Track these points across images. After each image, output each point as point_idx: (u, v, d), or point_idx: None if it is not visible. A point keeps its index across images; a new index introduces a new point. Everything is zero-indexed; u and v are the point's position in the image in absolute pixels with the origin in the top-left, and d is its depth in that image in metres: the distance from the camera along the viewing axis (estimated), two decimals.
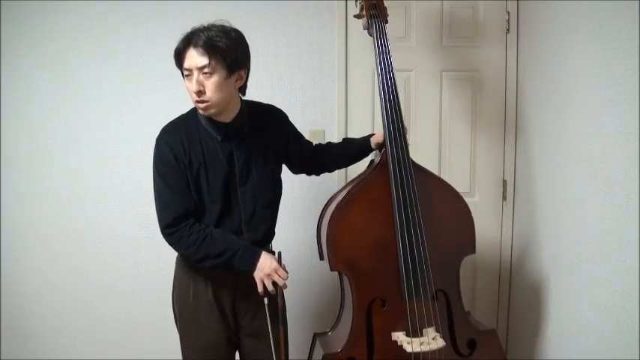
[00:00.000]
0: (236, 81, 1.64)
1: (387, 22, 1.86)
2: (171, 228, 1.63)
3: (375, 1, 1.86)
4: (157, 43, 2.42)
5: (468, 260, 2.47)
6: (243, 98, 1.76)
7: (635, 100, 1.54)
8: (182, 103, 2.43)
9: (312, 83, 2.47)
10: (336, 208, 1.76)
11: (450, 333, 1.84)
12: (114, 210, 2.49)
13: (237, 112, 1.70)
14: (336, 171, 2.40)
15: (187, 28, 2.37)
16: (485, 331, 1.90)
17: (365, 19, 1.89)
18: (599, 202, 1.73)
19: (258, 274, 1.62)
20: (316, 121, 2.47)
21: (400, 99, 2.42)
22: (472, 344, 1.86)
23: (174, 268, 1.83)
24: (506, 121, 2.48)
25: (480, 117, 2.49)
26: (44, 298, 2.52)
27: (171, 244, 1.68)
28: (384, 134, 1.79)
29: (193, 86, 1.58)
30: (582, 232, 1.84)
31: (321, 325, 2.24)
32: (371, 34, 1.89)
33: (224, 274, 1.69)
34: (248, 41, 1.69)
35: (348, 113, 2.46)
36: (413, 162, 1.81)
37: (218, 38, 1.56)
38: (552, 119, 2.08)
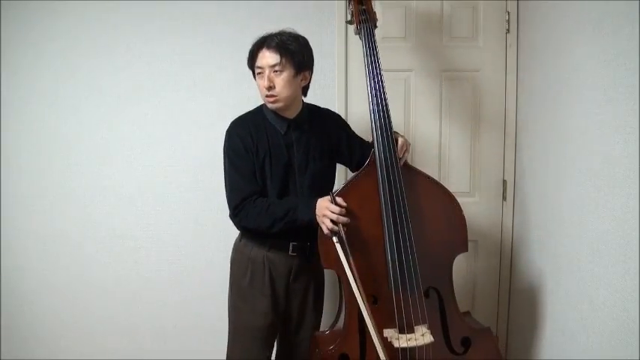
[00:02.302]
0: (301, 80, 1.87)
1: (376, 26, 1.94)
2: (239, 207, 1.83)
3: (364, 7, 1.92)
4: (157, 43, 2.42)
5: (468, 260, 2.50)
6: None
7: (635, 100, 1.54)
8: (182, 103, 2.46)
9: (312, 83, 2.45)
10: None
11: (443, 331, 1.85)
12: (114, 210, 2.49)
13: (299, 110, 1.91)
14: (340, 167, 2.41)
15: (187, 28, 2.41)
16: (479, 330, 1.91)
17: (354, 24, 1.94)
18: (599, 201, 1.73)
19: (318, 218, 1.75)
20: None
21: (400, 99, 2.46)
22: (466, 342, 1.87)
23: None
24: (506, 121, 2.48)
25: (480, 117, 2.49)
26: (44, 299, 2.52)
27: (241, 221, 1.85)
28: (372, 134, 1.84)
29: (265, 82, 1.79)
30: (582, 232, 1.84)
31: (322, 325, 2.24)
32: (361, 39, 1.93)
33: (280, 257, 1.89)
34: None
35: (348, 113, 2.46)
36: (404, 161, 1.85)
37: (289, 41, 1.80)
38: (552, 119, 2.08)
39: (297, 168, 1.89)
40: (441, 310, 1.86)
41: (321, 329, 2.04)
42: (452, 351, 1.86)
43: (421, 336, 1.77)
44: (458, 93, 2.48)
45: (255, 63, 1.82)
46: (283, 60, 1.77)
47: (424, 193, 1.86)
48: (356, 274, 1.68)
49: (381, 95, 1.84)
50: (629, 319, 1.58)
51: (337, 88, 2.46)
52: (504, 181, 2.51)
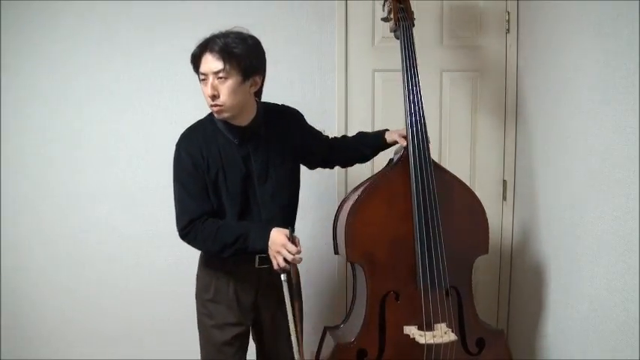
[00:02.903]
0: (251, 86, 1.67)
1: (413, 25, 1.92)
2: (187, 228, 1.69)
3: (402, 5, 1.92)
4: (158, 44, 2.42)
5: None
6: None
7: (635, 100, 1.54)
8: (182, 103, 2.46)
9: (312, 83, 2.47)
10: (357, 201, 1.81)
11: (460, 331, 1.86)
12: (115, 210, 2.49)
13: (253, 115, 1.74)
14: (337, 168, 2.41)
15: (187, 29, 2.41)
16: (493, 331, 1.94)
17: (392, 22, 1.94)
18: (599, 201, 1.74)
19: (271, 251, 1.63)
20: (316, 121, 2.46)
21: (400, 99, 2.44)
22: (481, 343, 1.88)
23: (196, 268, 1.88)
24: (506, 121, 2.48)
25: (480, 117, 2.49)
26: (44, 298, 2.52)
27: (190, 243, 1.73)
28: (407, 132, 1.84)
29: (208, 90, 1.61)
30: (582, 232, 1.84)
31: (328, 319, 2.25)
32: (397, 37, 1.94)
33: (246, 270, 1.75)
34: None
35: (348, 113, 2.46)
36: (433, 161, 1.86)
37: (234, 44, 1.60)
38: (552, 119, 2.08)
39: (256, 178, 1.74)
40: (460, 309, 1.88)
41: (329, 324, 2.04)
42: (467, 351, 1.87)
43: (444, 334, 1.78)
44: (458, 93, 2.48)
45: (197, 68, 1.64)
46: (227, 66, 1.58)
47: (452, 192, 1.88)
48: (297, 317, 1.65)
49: (418, 95, 1.85)
50: (629, 319, 1.58)
51: (337, 88, 2.46)
52: (504, 181, 2.51)
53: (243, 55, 1.60)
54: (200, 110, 2.44)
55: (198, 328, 1.87)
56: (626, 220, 1.59)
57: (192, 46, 2.38)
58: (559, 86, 2.02)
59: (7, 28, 2.37)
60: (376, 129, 2.30)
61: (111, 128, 2.46)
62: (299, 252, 1.62)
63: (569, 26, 1.94)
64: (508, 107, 2.47)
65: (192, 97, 2.44)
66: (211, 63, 1.59)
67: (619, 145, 1.62)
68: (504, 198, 2.51)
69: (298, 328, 1.66)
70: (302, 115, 1.93)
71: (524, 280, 2.38)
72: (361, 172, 2.31)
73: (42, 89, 2.42)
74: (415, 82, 1.85)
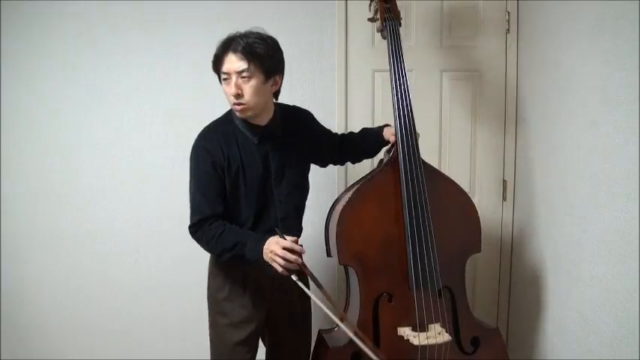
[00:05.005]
0: (272, 86, 1.72)
1: (400, 24, 1.92)
2: (196, 227, 1.73)
3: (389, 5, 1.92)
4: (158, 43, 2.42)
5: (468, 260, 2.49)
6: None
7: (635, 100, 1.54)
8: (182, 103, 2.46)
9: (312, 84, 2.47)
10: (347, 202, 1.80)
11: (454, 330, 1.86)
12: (114, 210, 2.49)
13: (271, 115, 1.78)
14: (337, 167, 2.41)
15: (187, 28, 2.41)
16: (489, 330, 1.92)
17: (379, 22, 1.95)
18: (599, 202, 1.74)
19: (267, 258, 1.63)
20: None
21: None
22: (476, 342, 1.88)
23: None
24: (506, 121, 2.48)
25: (480, 117, 2.49)
26: (44, 299, 2.52)
27: (196, 241, 1.76)
28: (396, 132, 1.83)
29: (232, 89, 1.64)
30: (582, 232, 1.84)
31: (327, 321, 2.24)
32: (384, 37, 1.94)
33: (261, 266, 1.71)
34: None
35: (348, 113, 2.46)
36: (423, 160, 1.85)
37: (256, 44, 1.64)
38: (552, 119, 2.08)
39: (273, 178, 1.77)
40: (454, 309, 1.87)
41: (324, 327, 2.01)
42: (462, 350, 1.86)
43: (438, 334, 1.77)
44: (458, 93, 2.48)
45: (220, 68, 1.67)
46: (251, 66, 1.62)
47: (442, 192, 1.87)
48: (332, 301, 1.62)
49: (405, 94, 1.83)
50: (629, 319, 1.58)
51: (337, 88, 2.46)
52: (504, 181, 2.51)
53: (265, 55, 1.64)
54: (201, 110, 2.45)
55: (210, 328, 1.88)
56: (626, 220, 1.60)
57: (192, 47, 2.43)
58: (559, 86, 2.02)
59: (7, 28, 2.37)
60: None
61: (111, 128, 2.46)
62: (294, 250, 1.59)
63: (569, 26, 1.94)
64: (508, 107, 2.47)
65: (191, 98, 2.46)
66: (235, 63, 1.63)
67: (619, 145, 1.62)
68: (504, 198, 2.51)
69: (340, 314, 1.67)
70: (313, 115, 1.97)
71: (524, 279, 2.38)
72: (362, 171, 2.31)
73: (42, 89, 2.42)
74: (403, 81, 1.84)
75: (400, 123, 1.82)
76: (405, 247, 1.79)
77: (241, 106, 1.66)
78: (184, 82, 2.45)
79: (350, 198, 1.80)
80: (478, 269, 2.55)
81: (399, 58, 1.86)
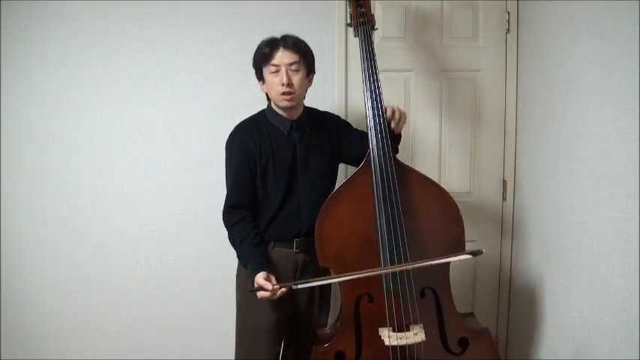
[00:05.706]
0: (308, 82, 1.94)
1: (374, 28, 1.97)
2: (226, 212, 1.94)
3: (363, 9, 1.94)
4: (157, 43, 2.42)
5: (467, 260, 2.48)
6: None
7: (635, 100, 1.54)
8: (182, 104, 2.46)
9: (312, 83, 2.47)
10: (326, 205, 1.83)
11: (440, 331, 1.85)
12: (114, 210, 2.49)
13: (301, 111, 1.97)
14: (337, 168, 2.40)
15: (187, 29, 2.41)
16: (477, 330, 1.91)
17: (353, 26, 1.96)
18: (599, 202, 1.74)
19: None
20: None
21: (400, 99, 2.46)
22: (464, 343, 1.87)
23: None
24: (506, 121, 2.48)
25: (480, 117, 2.49)
26: (44, 299, 2.52)
27: (223, 224, 1.95)
28: (369, 134, 1.84)
29: (284, 79, 1.84)
30: (582, 232, 1.84)
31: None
32: (358, 40, 1.94)
33: (285, 252, 1.93)
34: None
35: (348, 113, 2.46)
36: (398, 161, 1.84)
37: (301, 43, 1.89)
38: (552, 119, 2.08)
39: (299, 167, 1.92)
40: (438, 310, 1.86)
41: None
42: (449, 351, 1.86)
43: (414, 335, 1.78)
44: (458, 93, 2.48)
45: (269, 61, 1.85)
46: (302, 60, 1.85)
47: (419, 192, 1.85)
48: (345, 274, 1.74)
49: (377, 96, 1.84)
50: (629, 319, 1.58)
51: (337, 88, 2.46)
52: (504, 181, 2.51)
53: (308, 53, 1.90)
54: (200, 110, 2.46)
55: (236, 313, 2.00)
56: (626, 220, 1.60)
57: (192, 47, 2.42)
58: (559, 86, 2.02)
59: (7, 28, 2.38)
60: None
61: (110, 128, 2.46)
62: (264, 285, 1.74)
63: (569, 26, 1.94)
64: (508, 107, 2.47)
65: (191, 97, 2.46)
66: (287, 56, 1.84)
67: (619, 145, 1.62)
68: (504, 198, 2.51)
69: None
70: (341, 118, 2.17)
71: (524, 280, 2.38)
72: None
73: (42, 89, 2.42)
74: (376, 85, 1.84)
75: (374, 125, 1.82)
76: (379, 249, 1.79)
77: (290, 95, 1.85)
78: (184, 82, 2.45)
79: (329, 200, 1.83)
80: (478, 270, 2.55)
81: (372, 61, 1.86)
